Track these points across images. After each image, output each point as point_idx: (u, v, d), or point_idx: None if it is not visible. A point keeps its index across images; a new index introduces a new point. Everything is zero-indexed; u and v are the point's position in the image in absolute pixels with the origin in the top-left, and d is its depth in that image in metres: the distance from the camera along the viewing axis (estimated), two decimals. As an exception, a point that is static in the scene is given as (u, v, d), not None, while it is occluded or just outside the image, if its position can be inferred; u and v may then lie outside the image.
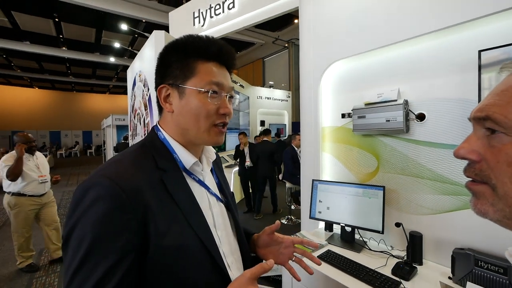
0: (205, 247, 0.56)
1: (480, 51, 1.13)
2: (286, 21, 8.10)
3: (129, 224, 0.47)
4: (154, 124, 0.67)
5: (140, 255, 0.49)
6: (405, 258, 1.27)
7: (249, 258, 0.75)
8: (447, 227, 1.24)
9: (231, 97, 0.65)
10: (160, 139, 0.62)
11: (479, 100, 1.14)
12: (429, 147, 1.31)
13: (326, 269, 1.25)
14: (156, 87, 0.63)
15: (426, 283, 1.12)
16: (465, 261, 1.07)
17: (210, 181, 0.70)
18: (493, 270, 0.99)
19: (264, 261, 0.58)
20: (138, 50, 4.24)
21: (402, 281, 1.11)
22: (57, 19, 8.88)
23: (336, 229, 1.66)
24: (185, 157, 0.61)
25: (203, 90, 0.58)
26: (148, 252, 0.49)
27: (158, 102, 0.64)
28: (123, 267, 0.46)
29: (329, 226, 1.68)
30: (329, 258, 1.32)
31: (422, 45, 1.32)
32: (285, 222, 4.28)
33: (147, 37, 3.64)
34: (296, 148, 4.28)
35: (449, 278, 1.13)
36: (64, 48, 11.58)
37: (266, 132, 4.87)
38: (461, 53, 1.20)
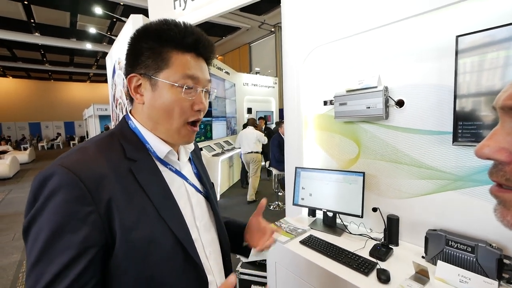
0: (177, 240, 0.55)
1: (457, 37, 1.13)
2: (272, 4, 7.84)
3: (89, 217, 0.46)
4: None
5: (106, 250, 0.48)
6: (383, 240, 1.33)
7: (228, 249, 0.76)
8: (422, 209, 1.30)
9: (208, 91, 0.62)
10: (131, 128, 0.60)
11: (455, 86, 1.15)
12: (407, 133, 1.34)
13: (308, 253, 1.29)
14: (126, 75, 0.60)
15: (400, 262, 1.17)
16: (437, 241, 1.13)
17: (188, 172, 0.69)
18: (462, 249, 1.05)
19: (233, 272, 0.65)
20: (117, 36, 4.02)
21: (378, 262, 1.16)
22: (26, 2, 8.21)
23: (319, 214, 1.70)
24: (159, 147, 0.60)
25: (176, 84, 0.55)
26: (114, 246, 0.48)
27: (128, 91, 0.61)
28: (81, 263, 0.44)
29: (312, 211, 1.72)
30: (311, 242, 1.36)
31: (402, 31, 1.31)
32: (273, 208, 4.36)
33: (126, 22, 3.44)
34: (282, 135, 4.29)
35: (422, 257, 1.19)
36: (36, 33, 10.81)
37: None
38: (439, 39, 1.20)
